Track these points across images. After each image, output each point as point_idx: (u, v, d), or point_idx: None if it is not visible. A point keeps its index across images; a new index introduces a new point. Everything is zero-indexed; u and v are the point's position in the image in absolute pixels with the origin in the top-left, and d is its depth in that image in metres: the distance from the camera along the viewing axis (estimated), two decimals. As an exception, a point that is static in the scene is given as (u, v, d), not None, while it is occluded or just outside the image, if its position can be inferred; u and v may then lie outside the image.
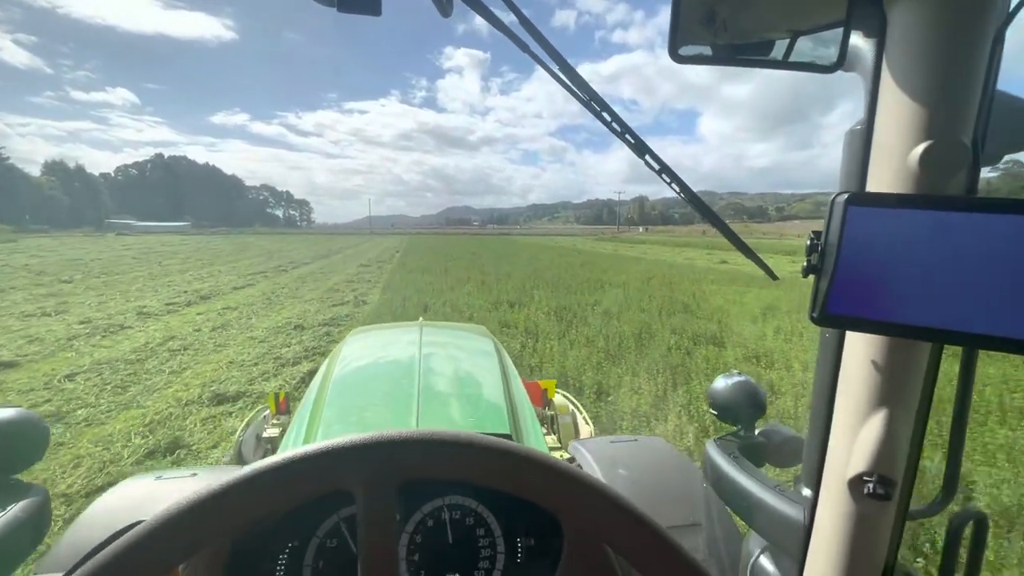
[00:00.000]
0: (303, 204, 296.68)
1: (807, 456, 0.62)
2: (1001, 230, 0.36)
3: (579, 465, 1.23)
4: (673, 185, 0.57)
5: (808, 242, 0.44)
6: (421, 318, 2.14)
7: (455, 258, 25.84)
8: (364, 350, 1.59)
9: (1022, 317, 0.36)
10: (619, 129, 0.55)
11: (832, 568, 0.54)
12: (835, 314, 0.41)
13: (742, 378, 0.97)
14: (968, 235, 0.37)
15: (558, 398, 2.58)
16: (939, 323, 0.39)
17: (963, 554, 0.56)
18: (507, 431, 0.99)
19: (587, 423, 2.45)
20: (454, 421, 1.04)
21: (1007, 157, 0.47)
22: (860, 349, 0.51)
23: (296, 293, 12.69)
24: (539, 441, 1.16)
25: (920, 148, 0.42)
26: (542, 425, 2.28)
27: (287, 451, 0.46)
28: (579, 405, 2.59)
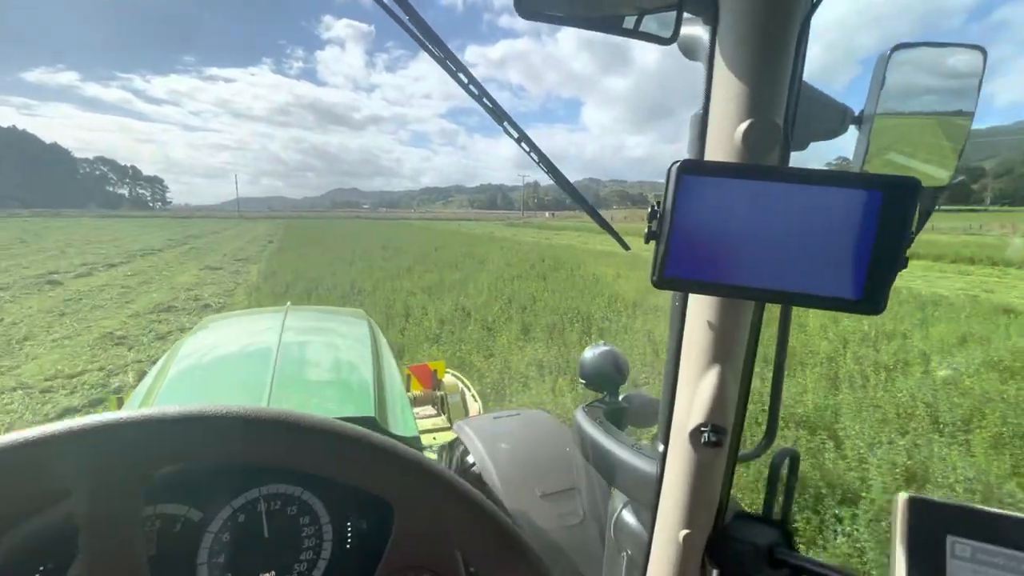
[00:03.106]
0: (155, 182, 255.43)
1: (660, 415, 0.65)
2: (811, 199, 0.41)
3: (463, 444, 1.33)
4: (541, 164, 0.61)
5: (649, 210, 0.45)
6: (289, 303, 1.95)
7: (352, 259, 19.73)
8: (213, 338, 1.49)
9: (829, 276, 0.42)
10: (491, 107, 0.59)
11: (678, 512, 0.60)
12: (672, 277, 0.44)
13: (607, 348, 1.02)
14: (783, 203, 0.41)
15: (448, 378, 2.65)
16: (760, 283, 0.43)
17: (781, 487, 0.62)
18: (371, 414, 0.93)
19: (475, 400, 2.60)
20: (311, 407, 0.97)
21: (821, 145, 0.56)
22: (697, 310, 0.55)
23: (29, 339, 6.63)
24: (407, 425, 1.07)
25: (743, 126, 0.47)
26: (432, 406, 2.51)
27: None
28: (468, 384, 2.70)
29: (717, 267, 0.43)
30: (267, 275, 12.70)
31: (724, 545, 0.60)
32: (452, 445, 1.54)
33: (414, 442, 1.00)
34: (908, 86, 0.48)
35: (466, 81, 0.57)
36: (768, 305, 0.54)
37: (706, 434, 0.54)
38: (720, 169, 0.43)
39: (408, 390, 2.62)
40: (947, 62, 0.48)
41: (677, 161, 0.43)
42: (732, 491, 0.62)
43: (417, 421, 2.02)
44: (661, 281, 0.44)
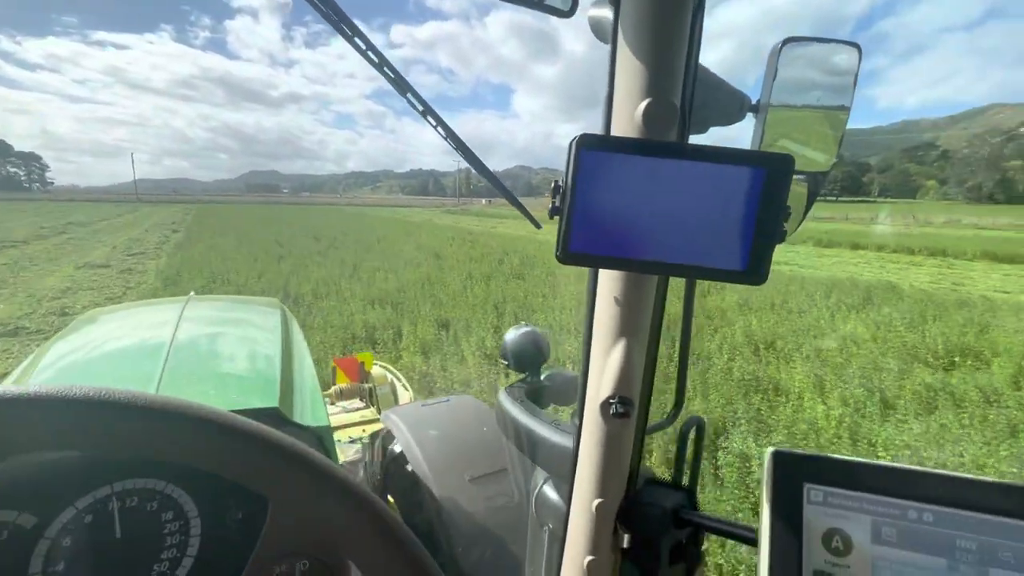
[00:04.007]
0: (30, 159, 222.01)
1: (579, 390, 0.67)
2: (703, 176, 0.42)
3: (392, 433, 1.34)
4: (456, 148, 0.63)
5: (553, 185, 0.46)
6: (193, 292, 1.91)
7: (281, 254, 16.84)
8: (96, 331, 1.38)
9: (719, 249, 0.43)
10: (393, 77, 0.60)
11: (591, 483, 0.61)
12: (576, 252, 0.45)
13: (528, 328, 1.03)
14: (677, 180, 0.43)
15: (377, 370, 2.64)
16: (657, 256, 0.44)
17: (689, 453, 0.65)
18: (274, 405, 0.89)
19: (407, 390, 2.64)
20: (206, 399, 0.80)
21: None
22: (605, 285, 0.57)
23: None
24: (316, 416, 1.00)
25: (643, 105, 0.48)
26: (361, 399, 2.46)
27: None
28: (398, 375, 2.76)
29: (617, 242, 0.44)
30: (169, 276, 9.97)
31: (634, 510, 0.62)
32: (379, 435, 1.48)
33: (323, 432, 0.91)
34: (797, 80, 0.51)
35: (364, 47, 0.58)
36: (673, 279, 0.55)
37: (614, 405, 0.56)
38: (618, 145, 0.44)
39: (334, 383, 2.55)
40: (829, 59, 0.52)
41: (577, 136, 0.43)
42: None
43: (346, 414, 2.20)
44: (565, 256, 0.45)
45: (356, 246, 16.32)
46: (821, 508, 0.46)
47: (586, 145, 0.43)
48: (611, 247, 0.45)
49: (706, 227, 0.43)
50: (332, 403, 2.47)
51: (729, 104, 0.56)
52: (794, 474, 0.48)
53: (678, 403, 0.67)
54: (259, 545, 0.48)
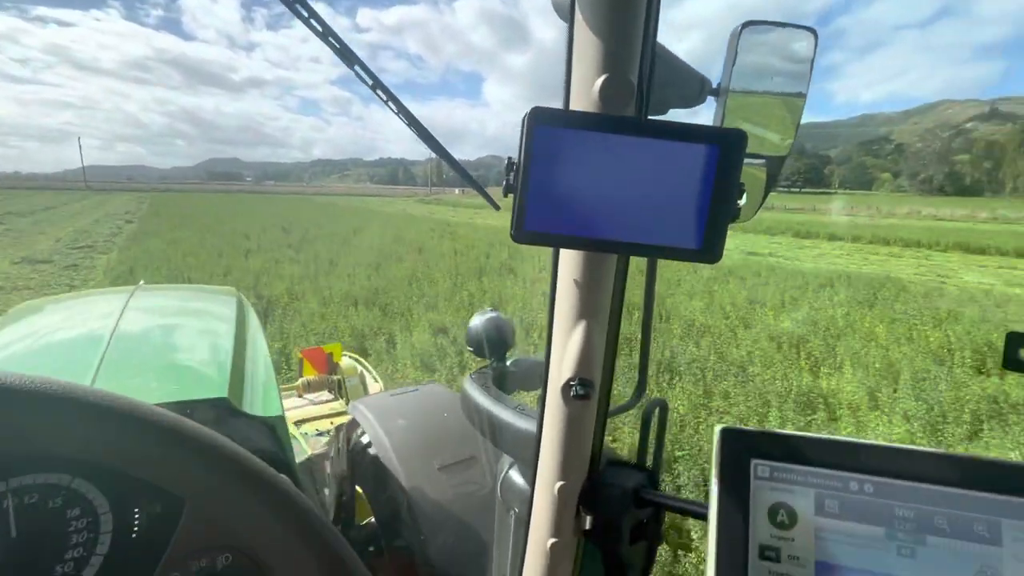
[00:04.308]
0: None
1: (543, 374, 0.67)
2: (662, 153, 0.42)
3: (359, 423, 1.32)
4: (399, 114, 0.61)
5: (507, 161, 0.45)
6: (142, 281, 1.82)
7: (248, 248, 15.68)
8: (30, 322, 1.32)
9: (675, 227, 0.43)
10: (338, 48, 0.58)
11: (554, 465, 0.61)
12: (531, 231, 0.44)
13: (493, 314, 1.02)
14: (632, 156, 0.42)
15: (346, 361, 2.60)
16: (612, 235, 0.44)
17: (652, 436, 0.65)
18: (223, 395, 0.87)
19: (377, 381, 2.54)
20: (148, 391, 0.88)
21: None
22: (565, 266, 0.56)
23: None
24: (269, 406, 0.99)
25: (599, 81, 0.47)
26: (329, 391, 2.40)
27: None
28: (368, 366, 2.63)
29: (572, 220, 0.44)
30: (121, 273, 8.93)
31: (596, 492, 0.63)
32: (347, 427, 1.45)
33: (276, 423, 0.89)
34: (756, 66, 0.51)
35: (321, 30, 0.57)
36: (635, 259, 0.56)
37: (574, 388, 0.56)
38: (571, 120, 0.43)
39: (301, 375, 2.49)
40: (787, 45, 0.52)
41: (529, 110, 0.43)
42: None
43: (314, 407, 2.19)
44: (520, 235, 0.44)
45: (331, 239, 15.29)
46: (767, 483, 0.47)
47: (539, 120, 0.41)
48: (566, 226, 0.44)
49: (661, 205, 0.43)
50: (300, 395, 2.36)
51: (689, 86, 0.56)
52: (742, 450, 0.48)
53: (640, 386, 0.68)
54: (173, 542, 0.47)
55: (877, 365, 4.84)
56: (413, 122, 0.63)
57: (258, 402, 0.97)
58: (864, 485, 0.45)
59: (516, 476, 0.81)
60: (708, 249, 0.44)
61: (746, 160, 0.45)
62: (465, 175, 0.72)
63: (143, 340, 1.13)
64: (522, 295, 7.36)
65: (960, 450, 3.42)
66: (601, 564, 0.66)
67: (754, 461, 0.48)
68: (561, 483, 0.61)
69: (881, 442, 0.47)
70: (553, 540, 0.63)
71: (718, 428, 0.50)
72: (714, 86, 0.55)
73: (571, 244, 0.46)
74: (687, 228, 0.43)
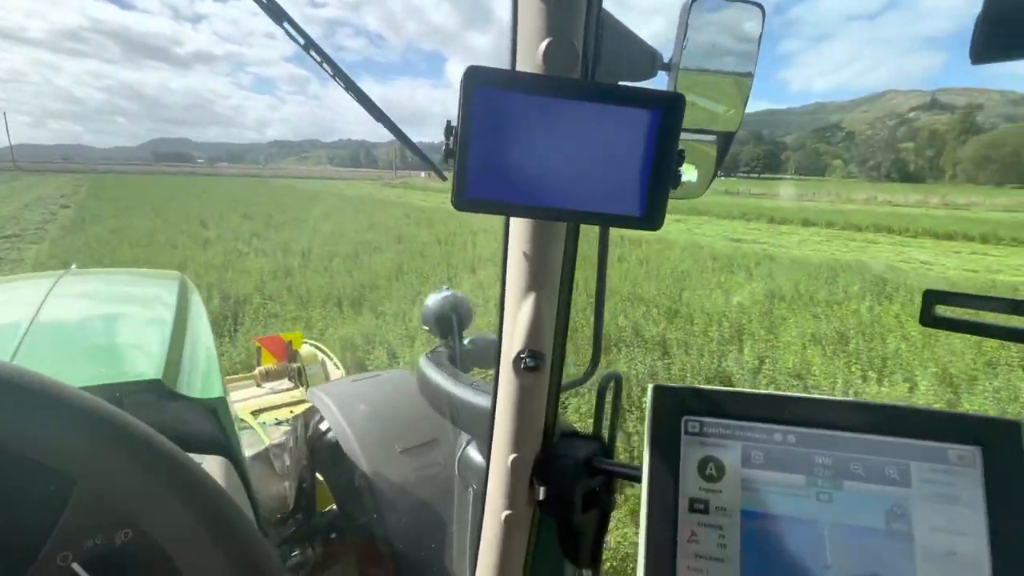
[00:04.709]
0: None
1: (495, 348, 0.67)
2: (607, 118, 0.41)
3: (318, 410, 1.30)
4: (351, 93, 0.60)
5: (446, 124, 0.43)
6: (74, 264, 1.73)
7: (206, 239, 14.27)
8: None
9: (616, 194, 0.43)
10: (318, 58, 0.58)
11: (507, 439, 0.62)
12: (473, 198, 0.42)
13: (448, 293, 1.01)
14: (576, 121, 0.41)
15: (306, 348, 2.52)
16: (558, 203, 0.43)
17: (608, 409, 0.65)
18: (157, 377, 0.84)
19: (338, 368, 2.46)
20: (71, 373, 0.83)
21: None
22: (514, 237, 0.56)
23: None
24: (208, 388, 0.95)
25: (543, 45, 0.47)
26: (289, 379, 2.37)
27: None
28: (328, 352, 2.54)
29: (514, 186, 0.42)
30: (53, 268, 7.62)
31: (549, 463, 0.63)
32: (306, 414, 1.44)
33: (217, 405, 0.86)
34: (706, 43, 0.52)
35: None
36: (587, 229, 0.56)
37: (524, 360, 0.57)
38: (510, 80, 0.41)
39: (259, 364, 2.45)
40: (735, 22, 0.53)
41: (467, 69, 0.40)
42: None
43: (273, 396, 2.17)
44: (461, 203, 0.42)
45: (298, 226, 14.09)
46: (697, 438, 0.49)
47: (478, 81, 0.39)
48: (508, 192, 0.42)
49: (603, 171, 0.42)
50: (258, 384, 2.31)
51: (640, 60, 0.55)
52: (673, 408, 0.50)
53: (595, 359, 0.68)
54: (61, 521, 0.46)
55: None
56: (362, 98, 0.59)
57: (196, 385, 0.92)
58: (788, 436, 0.47)
59: (473, 453, 0.82)
60: (650, 216, 0.43)
61: (696, 136, 0.47)
62: (414, 148, 0.67)
63: (70, 324, 1.09)
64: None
65: None
66: (556, 533, 0.67)
67: (685, 418, 0.49)
68: (514, 456, 0.62)
69: (804, 394, 0.49)
70: (508, 512, 0.64)
71: (651, 386, 0.51)
72: (665, 60, 0.55)
73: (513, 211, 0.45)
74: (630, 195, 0.43)
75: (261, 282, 6.97)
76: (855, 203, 43.26)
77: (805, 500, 0.46)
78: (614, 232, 0.63)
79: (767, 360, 4.56)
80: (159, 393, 0.80)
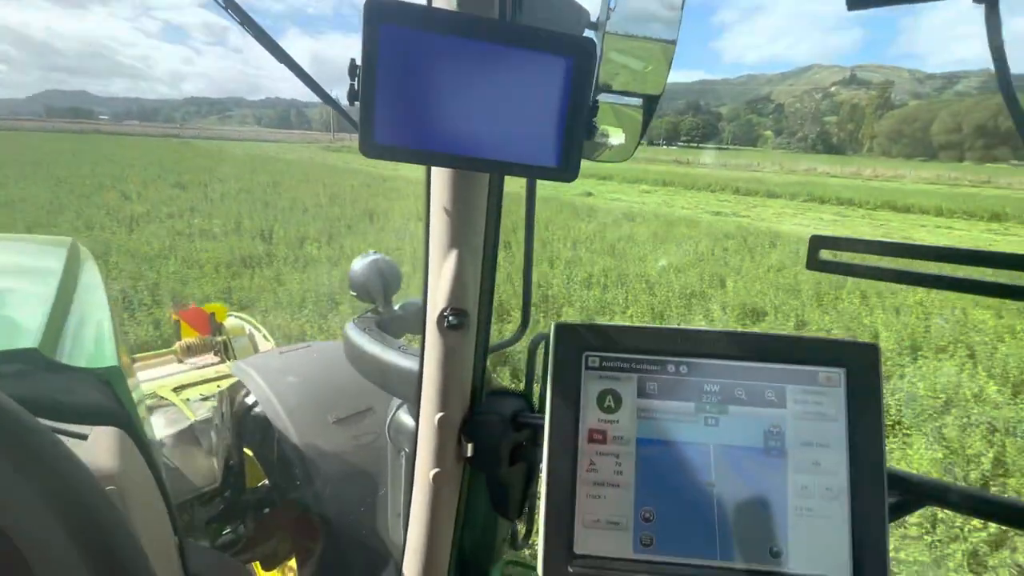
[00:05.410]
0: None
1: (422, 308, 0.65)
2: (525, 64, 0.40)
3: (244, 384, 1.28)
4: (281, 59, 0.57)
5: (350, 63, 0.41)
6: None
7: (131, 217, 11.93)
8: None
9: (532, 144, 0.41)
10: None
11: (435, 399, 0.62)
12: (381, 144, 0.40)
13: (376, 256, 1.00)
14: (489, 64, 0.39)
15: (232, 321, 2.44)
16: (472, 152, 0.41)
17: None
18: (33, 346, 0.79)
19: (268, 340, 2.38)
20: None
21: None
22: (436, 190, 0.54)
23: None
24: (98, 357, 0.88)
25: None
26: (215, 354, 2.27)
27: None
28: (257, 324, 2.46)
29: (425, 133, 0.40)
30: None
31: (476, 420, 0.64)
32: (231, 389, 1.41)
33: (112, 376, 0.81)
34: (633, 10, 0.51)
35: None
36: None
37: (447, 318, 0.56)
38: (418, 16, 0.39)
39: (179, 338, 2.37)
40: None
41: (366, 2, 0.38)
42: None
43: (196, 371, 2.06)
44: (368, 148, 0.40)
45: (246, 197, 12.04)
46: (597, 372, 0.51)
47: (381, 16, 0.37)
48: (418, 139, 0.40)
49: (517, 120, 0.41)
50: (180, 360, 2.24)
51: (567, 16, 0.54)
52: (574, 344, 0.51)
53: (524, 320, 0.67)
54: None
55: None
56: (274, 48, 0.54)
57: (84, 354, 0.86)
58: (680, 367, 0.51)
59: (404, 416, 0.81)
60: (565, 167, 0.42)
61: (623, 100, 0.47)
62: (336, 107, 0.62)
63: None
64: (560, 281, 5.59)
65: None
66: (487, 488, 0.68)
67: (586, 353, 0.51)
68: (441, 414, 0.62)
69: (695, 327, 0.51)
70: (436, 470, 0.64)
71: (553, 324, 0.52)
72: (593, 19, 0.54)
73: (423, 159, 0.43)
74: (545, 145, 0.42)
75: (226, 278, 5.43)
76: (796, 174, 44.91)
77: (694, 425, 0.50)
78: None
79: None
80: (34, 362, 0.75)
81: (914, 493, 0.51)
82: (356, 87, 0.39)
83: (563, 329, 0.52)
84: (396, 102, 0.39)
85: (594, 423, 0.51)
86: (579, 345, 0.51)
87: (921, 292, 5.58)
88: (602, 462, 0.50)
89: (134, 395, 0.86)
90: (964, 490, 0.50)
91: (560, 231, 9.10)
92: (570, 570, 0.49)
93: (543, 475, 0.50)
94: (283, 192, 13.43)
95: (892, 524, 0.49)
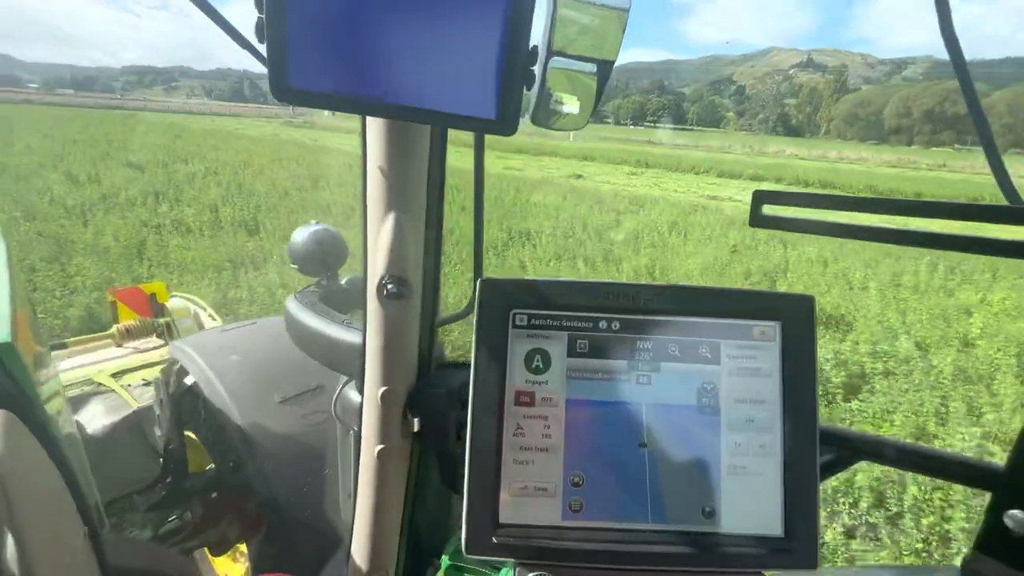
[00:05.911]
0: None
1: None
2: (464, 3, 0.36)
3: (183, 365, 1.25)
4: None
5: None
6: None
7: (86, 203, 10.18)
8: None
9: (476, 96, 0.38)
10: None
11: (378, 372, 0.60)
12: (297, 88, 0.36)
13: (319, 227, 0.95)
14: (434, 4, 0.36)
15: (176, 302, 2.33)
16: (401, 100, 0.38)
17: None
18: None
19: (214, 320, 2.28)
20: None
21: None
22: (372, 148, 0.49)
23: None
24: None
25: None
26: (158, 336, 2.18)
27: None
28: (202, 304, 2.37)
29: (346, 76, 0.36)
30: None
31: (423, 395, 0.62)
32: (167, 370, 1.38)
33: (3, 352, 0.74)
34: None
35: None
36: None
37: (387, 287, 0.53)
38: None
39: (116, 321, 2.21)
40: None
41: None
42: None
43: (137, 355, 1.95)
44: (281, 91, 0.36)
45: (213, 180, 10.68)
46: (525, 331, 0.49)
47: None
48: (338, 83, 0.36)
49: (451, 66, 0.37)
50: (118, 344, 2.09)
51: None
52: (501, 301, 0.49)
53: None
54: None
55: None
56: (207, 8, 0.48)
57: None
58: (612, 323, 0.49)
59: (351, 393, 0.77)
60: (503, 120, 0.39)
61: (577, 66, 0.45)
62: (253, 50, 0.54)
63: None
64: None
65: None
66: (437, 463, 0.66)
67: (513, 311, 0.49)
68: (385, 388, 0.59)
69: (629, 282, 0.49)
70: (381, 447, 0.61)
71: (478, 280, 0.50)
72: None
73: (345, 106, 0.38)
74: (481, 95, 0.38)
75: (223, 289, 4.44)
76: (767, 156, 45.44)
77: (626, 384, 0.48)
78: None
79: None
80: None
81: (848, 448, 0.50)
82: (260, 24, 0.34)
83: (489, 285, 0.49)
84: (313, 40, 0.35)
85: (521, 384, 0.49)
86: (506, 302, 0.49)
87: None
88: (529, 425, 0.48)
89: (42, 377, 0.78)
90: (899, 444, 0.50)
91: (579, 223, 8.35)
92: (494, 540, 0.47)
93: (468, 440, 0.47)
94: (258, 173, 12.07)
95: (826, 480, 0.48)
